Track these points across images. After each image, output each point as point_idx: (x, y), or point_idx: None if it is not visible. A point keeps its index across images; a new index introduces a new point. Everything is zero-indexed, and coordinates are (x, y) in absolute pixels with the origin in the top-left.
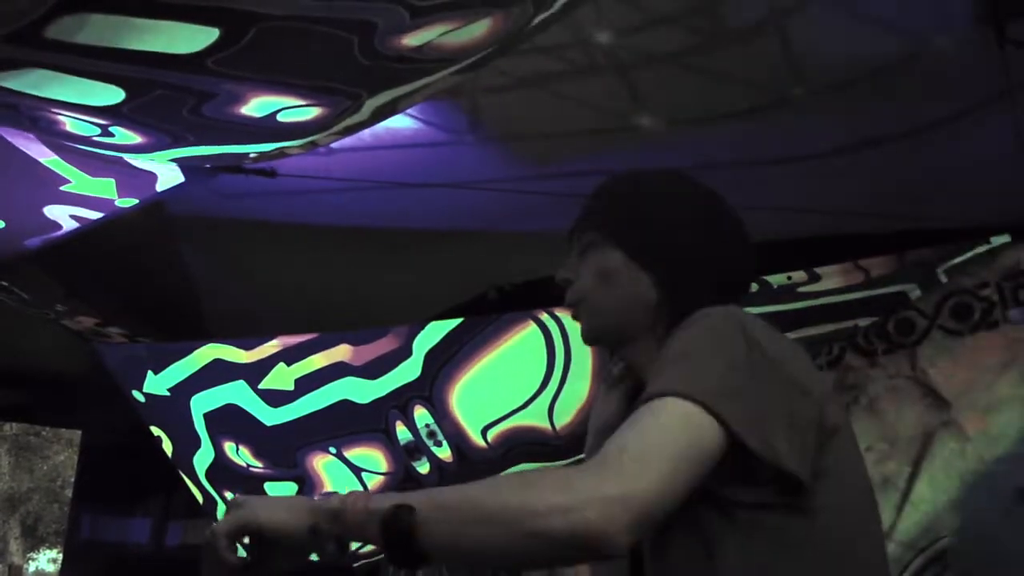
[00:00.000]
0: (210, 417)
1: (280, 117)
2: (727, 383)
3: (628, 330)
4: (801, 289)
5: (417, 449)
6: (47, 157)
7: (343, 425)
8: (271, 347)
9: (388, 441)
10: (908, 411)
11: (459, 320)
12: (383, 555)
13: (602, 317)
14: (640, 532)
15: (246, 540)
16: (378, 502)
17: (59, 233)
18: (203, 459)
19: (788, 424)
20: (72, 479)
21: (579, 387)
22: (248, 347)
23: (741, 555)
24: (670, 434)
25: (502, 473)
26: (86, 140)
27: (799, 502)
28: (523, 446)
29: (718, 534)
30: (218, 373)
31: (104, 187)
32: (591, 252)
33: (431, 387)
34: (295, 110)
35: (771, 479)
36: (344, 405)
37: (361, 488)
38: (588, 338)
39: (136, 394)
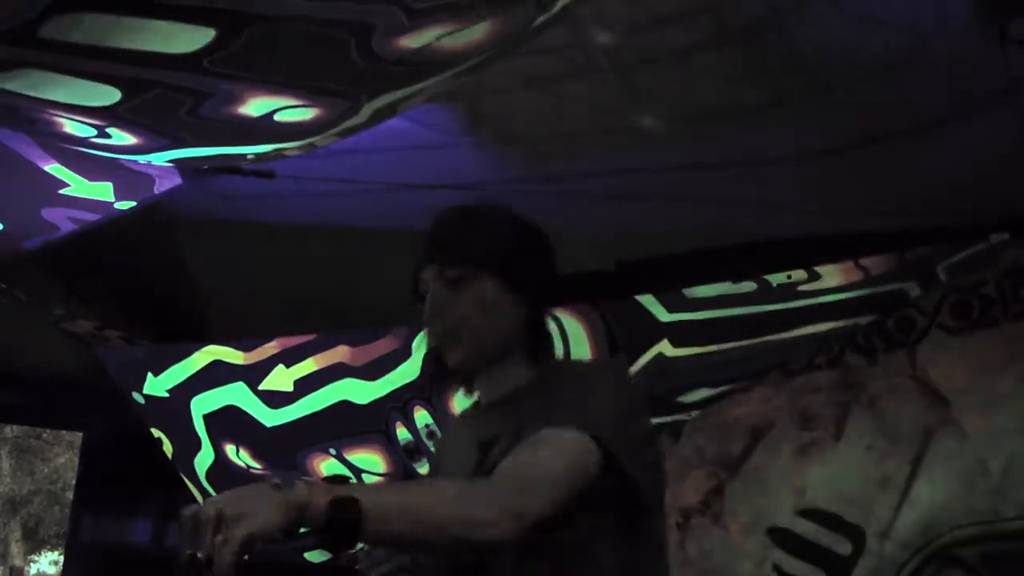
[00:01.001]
0: (210, 418)
1: (277, 117)
2: (615, 428)
3: (502, 352)
4: (801, 288)
5: (417, 450)
6: (45, 160)
7: (343, 426)
8: (270, 348)
9: (388, 442)
10: (908, 409)
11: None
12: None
13: (482, 344)
14: (512, 534)
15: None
16: (324, 493)
17: (57, 235)
18: (203, 460)
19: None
20: (73, 481)
21: None
22: (247, 348)
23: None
24: (571, 459)
25: (436, 479)
26: (83, 141)
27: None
28: None
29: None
30: (218, 375)
31: (102, 190)
32: (463, 284)
33: (431, 388)
34: (292, 110)
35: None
36: (344, 406)
37: None
38: (463, 364)
39: (136, 396)
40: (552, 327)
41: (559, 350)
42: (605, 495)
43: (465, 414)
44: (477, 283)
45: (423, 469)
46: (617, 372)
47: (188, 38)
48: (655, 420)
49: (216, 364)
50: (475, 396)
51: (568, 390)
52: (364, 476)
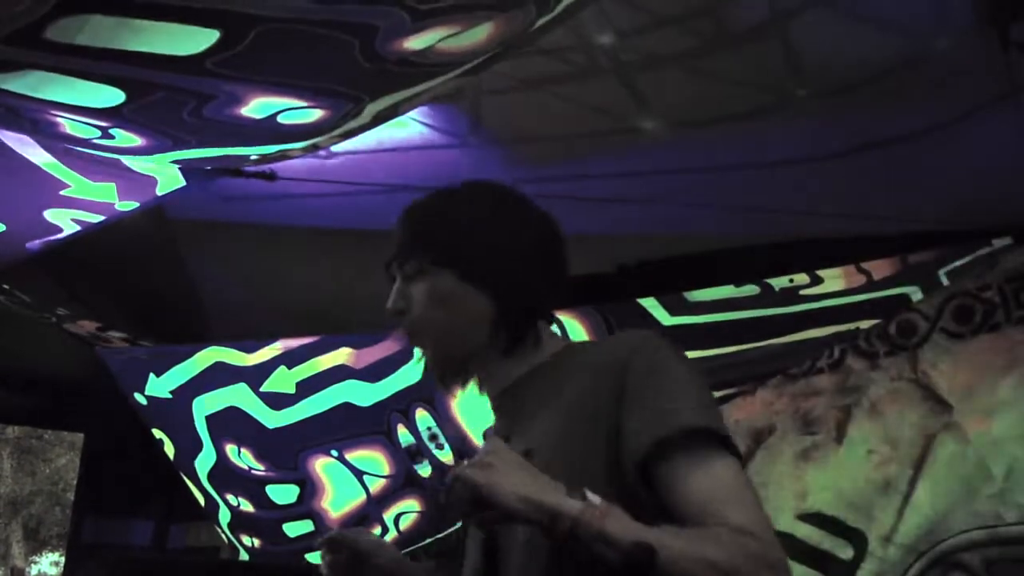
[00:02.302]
0: (212, 420)
1: (281, 119)
2: (720, 415)
3: (469, 349)
4: (803, 292)
5: (419, 452)
6: (47, 161)
7: (344, 428)
8: (272, 350)
9: (390, 444)
10: (909, 414)
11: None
12: None
13: (443, 342)
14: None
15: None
16: (615, 528)
17: (60, 237)
18: (205, 461)
19: None
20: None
21: None
22: (249, 350)
23: None
24: (747, 490)
25: (708, 532)
26: (86, 142)
27: None
28: None
29: None
30: (220, 376)
31: (104, 191)
32: (419, 279)
33: (433, 390)
34: (296, 112)
35: None
36: (345, 408)
37: (363, 491)
38: (435, 366)
39: (138, 397)
40: (554, 329)
41: None
42: None
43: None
44: (430, 279)
45: (424, 471)
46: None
47: (192, 40)
48: None
49: (218, 365)
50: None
51: (638, 362)
52: (366, 478)
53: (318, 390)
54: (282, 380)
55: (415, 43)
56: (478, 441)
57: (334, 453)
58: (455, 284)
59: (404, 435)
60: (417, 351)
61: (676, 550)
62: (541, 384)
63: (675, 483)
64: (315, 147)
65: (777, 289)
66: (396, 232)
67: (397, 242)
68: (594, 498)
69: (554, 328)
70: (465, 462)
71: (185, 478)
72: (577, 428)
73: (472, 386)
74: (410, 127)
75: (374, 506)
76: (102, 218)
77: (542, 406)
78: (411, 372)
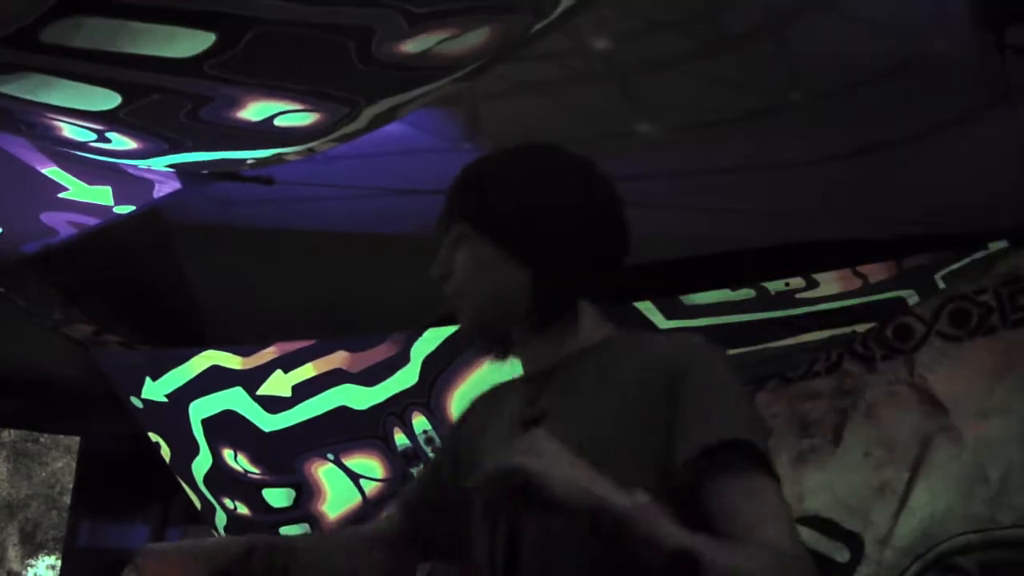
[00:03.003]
0: (208, 423)
1: (277, 121)
2: (764, 434)
3: (506, 320)
4: (799, 295)
5: (415, 456)
6: (44, 164)
7: (341, 431)
8: (268, 354)
9: (386, 448)
10: (906, 417)
11: (457, 327)
12: None
13: (481, 310)
14: None
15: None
16: (661, 531)
17: (56, 239)
18: (201, 465)
19: None
20: (70, 486)
21: None
22: (246, 354)
23: None
24: (785, 510)
25: (744, 545)
26: (82, 146)
27: None
28: None
29: None
30: (216, 379)
31: (101, 194)
32: (462, 244)
33: (429, 393)
34: (292, 115)
35: None
36: (342, 411)
37: (359, 494)
38: (469, 333)
39: (134, 400)
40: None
41: None
42: None
43: (502, 387)
44: (472, 243)
45: None
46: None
47: (189, 42)
48: None
49: (214, 369)
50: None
51: (696, 368)
52: (362, 481)
53: (314, 394)
54: (278, 384)
55: (412, 47)
56: None
57: (330, 457)
58: (495, 252)
59: (400, 439)
60: (416, 352)
61: (715, 559)
62: (589, 370)
63: (718, 493)
64: (311, 151)
65: (773, 292)
66: (450, 191)
67: (446, 201)
68: (643, 498)
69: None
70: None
71: (181, 482)
72: (630, 425)
73: (466, 390)
74: (407, 131)
75: (370, 509)
76: (99, 221)
77: (591, 396)
78: (407, 376)
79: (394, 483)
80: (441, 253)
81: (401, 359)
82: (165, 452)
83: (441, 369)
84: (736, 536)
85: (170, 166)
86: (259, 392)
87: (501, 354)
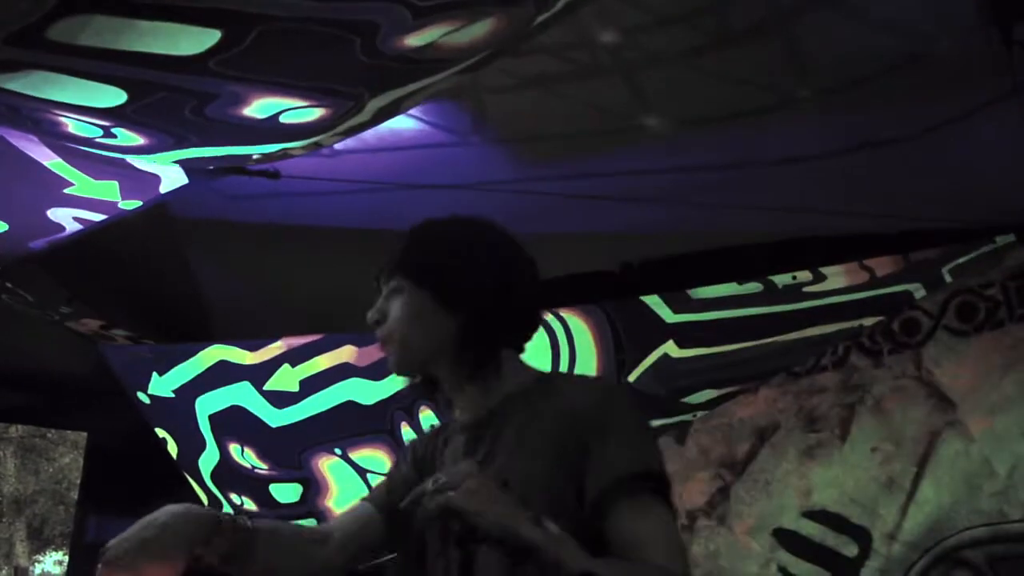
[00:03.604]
0: (215, 418)
1: (283, 118)
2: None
3: (434, 363)
4: (806, 289)
5: None
6: (50, 159)
7: (348, 426)
8: (276, 348)
9: (393, 442)
10: (913, 411)
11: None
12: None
13: (411, 353)
14: None
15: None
16: (568, 556)
17: (63, 235)
18: (208, 460)
19: None
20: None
21: None
22: (253, 348)
23: None
24: (676, 531)
25: (639, 566)
26: (88, 142)
27: None
28: None
29: None
30: (223, 374)
31: (107, 189)
32: (399, 295)
33: (414, 400)
34: (297, 111)
35: None
36: (349, 406)
37: (366, 489)
38: (397, 370)
39: (141, 396)
40: (558, 327)
41: (564, 351)
42: None
43: (449, 426)
44: (409, 294)
45: None
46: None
47: (195, 40)
48: (660, 422)
49: (221, 364)
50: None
51: (591, 419)
52: (369, 476)
53: (321, 388)
54: (285, 378)
55: (416, 40)
56: None
57: (337, 452)
58: (429, 304)
59: (408, 433)
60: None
61: None
62: (515, 419)
63: (618, 523)
64: (317, 145)
65: (780, 286)
66: (389, 250)
67: (385, 260)
68: (554, 529)
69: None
70: (436, 481)
71: (188, 477)
72: (552, 465)
73: None
74: (412, 125)
75: None
76: (105, 217)
77: (517, 442)
78: None
79: None
80: (378, 302)
81: None
82: (172, 447)
83: None
84: (632, 557)
85: (176, 161)
86: (266, 387)
87: (431, 397)
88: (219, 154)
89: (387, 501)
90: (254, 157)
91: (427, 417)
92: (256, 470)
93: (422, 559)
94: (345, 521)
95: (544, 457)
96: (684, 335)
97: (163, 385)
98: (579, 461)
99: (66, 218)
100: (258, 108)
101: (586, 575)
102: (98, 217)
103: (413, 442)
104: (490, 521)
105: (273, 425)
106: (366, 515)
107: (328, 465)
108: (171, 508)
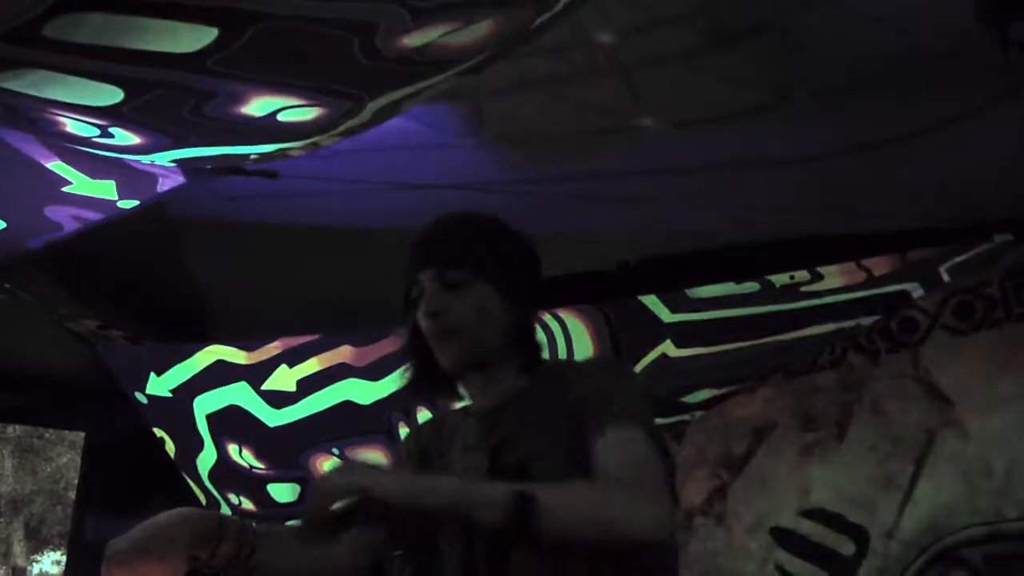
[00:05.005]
0: (213, 418)
1: (280, 117)
2: (649, 412)
3: (497, 356)
4: (804, 288)
5: None
6: (48, 159)
7: (345, 426)
8: (273, 348)
9: (390, 442)
10: (910, 410)
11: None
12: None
13: (475, 348)
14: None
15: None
16: (489, 487)
17: (60, 234)
18: (206, 460)
19: None
20: (75, 481)
21: None
22: (250, 348)
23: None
24: (653, 458)
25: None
26: (86, 141)
27: None
28: None
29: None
30: (220, 374)
31: (105, 188)
32: (464, 287)
33: (413, 395)
34: (296, 110)
35: None
36: (346, 406)
37: None
38: (460, 365)
39: (139, 396)
40: (555, 327)
41: (562, 350)
42: None
43: (448, 418)
44: (475, 288)
45: None
46: (625, 364)
47: (192, 38)
48: (658, 421)
49: (219, 364)
50: (463, 403)
51: (589, 380)
52: None
53: (319, 388)
54: (283, 378)
55: (415, 40)
56: None
57: (335, 452)
58: (494, 298)
59: (405, 433)
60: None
61: (554, 495)
62: (532, 402)
63: (596, 456)
64: (315, 145)
65: (778, 286)
66: (434, 240)
67: (437, 249)
68: (455, 479)
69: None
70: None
71: (186, 477)
72: (567, 450)
73: None
74: (411, 125)
75: None
76: (103, 216)
77: (534, 427)
78: None
79: None
80: (432, 296)
81: None
82: (170, 447)
83: None
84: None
85: (174, 161)
86: (264, 387)
87: (434, 392)
88: (217, 154)
89: None
90: (252, 157)
91: (424, 417)
92: (254, 470)
93: (431, 557)
94: None
95: (560, 441)
96: (682, 335)
97: (161, 385)
98: (581, 427)
99: (64, 217)
100: (256, 107)
101: (518, 495)
102: (96, 216)
103: (408, 437)
104: (393, 495)
105: (271, 425)
106: None
107: (326, 465)
108: (174, 510)
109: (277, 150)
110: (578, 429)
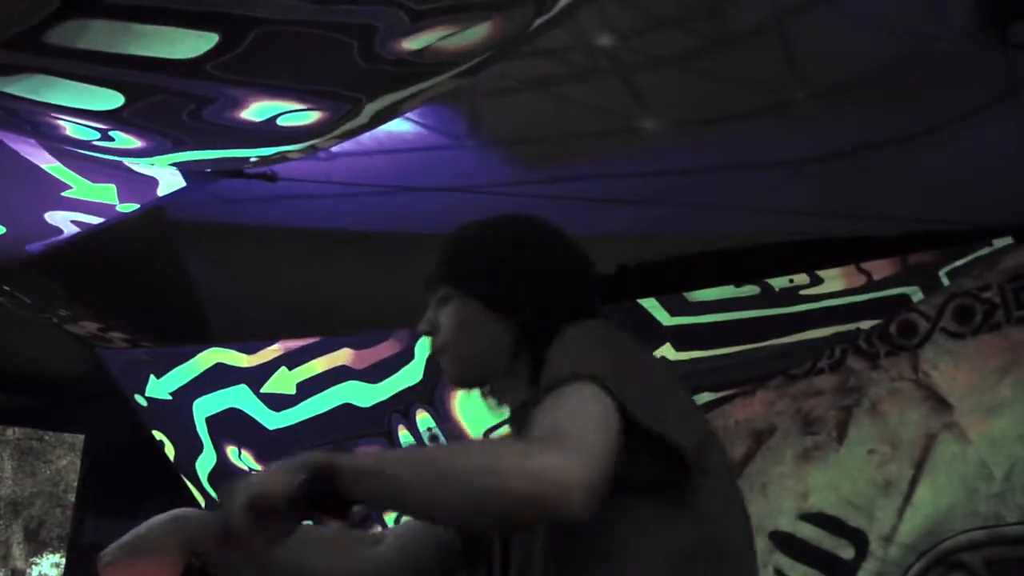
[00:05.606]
0: (212, 421)
1: (280, 121)
2: (613, 366)
3: (490, 372)
4: (803, 292)
5: None
6: (48, 163)
7: (345, 429)
8: (273, 351)
9: (390, 445)
10: (910, 414)
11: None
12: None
13: (465, 364)
14: (593, 502)
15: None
16: (353, 458)
17: (60, 238)
18: (205, 463)
19: (672, 405)
20: (75, 483)
21: None
22: (250, 351)
23: (632, 536)
24: (591, 411)
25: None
26: (86, 144)
27: (683, 495)
28: None
29: (612, 518)
30: (220, 377)
31: (105, 192)
32: (447, 304)
33: (433, 391)
34: (295, 114)
35: (657, 462)
36: (346, 409)
37: None
38: (454, 383)
39: (138, 398)
40: None
41: None
42: (632, 458)
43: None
44: (456, 305)
45: None
46: (595, 325)
47: (192, 43)
48: None
49: (219, 367)
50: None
51: (551, 353)
52: None
53: (318, 391)
54: (283, 381)
55: (413, 43)
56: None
57: None
58: (480, 312)
59: (405, 436)
60: (420, 350)
61: (400, 457)
62: (525, 416)
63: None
64: (314, 148)
65: (777, 289)
66: (437, 258)
67: (433, 268)
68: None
69: None
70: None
71: (186, 480)
72: None
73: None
74: (409, 128)
75: None
76: (103, 219)
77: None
78: (411, 373)
79: None
80: (427, 313)
81: (405, 356)
82: (169, 450)
83: None
84: None
85: (174, 164)
86: (263, 389)
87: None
88: (216, 157)
89: None
90: (251, 160)
91: (423, 420)
92: (253, 472)
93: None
94: (408, 527)
95: None
96: (681, 338)
97: (160, 388)
98: None
99: (64, 221)
100: (255, 111)
101: (375, 460)
102: (96, 220)
103: None
104: (261, 481)
105: (270, 428)
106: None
107: None
108: (169, 512)
109: (276, 153)
110: None
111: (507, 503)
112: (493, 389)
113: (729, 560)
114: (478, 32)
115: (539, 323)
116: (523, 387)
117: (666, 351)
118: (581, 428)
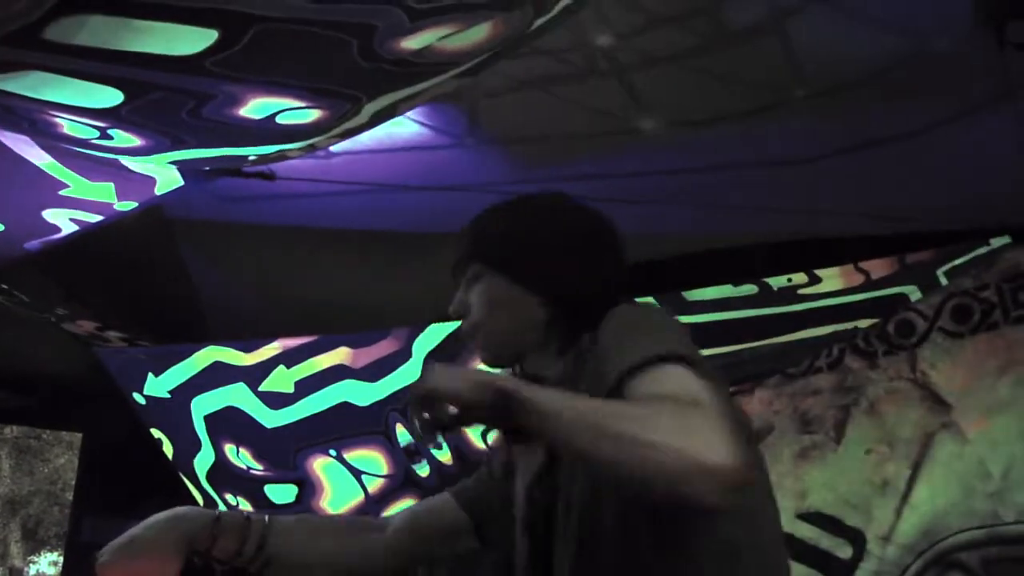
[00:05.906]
0: (210, 419)
1: (279, 119)
2: (688, 349)
3: (524, 349)
4: (801, 291)
5: (417, 451)
6: (45, 161)
7: (343, 427)
8: (271, 349)
9: (388, 443)
10: (908, 413)
11: (459, 322)
12: None
13: (498, 343)
14: (737, 496)
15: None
16: (542, 393)
17: (58, 236)
18: (204, 461)
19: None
20: (73, 482)
21: None
22: (248, 349)
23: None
24: (709, 396)
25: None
26: (84, 143)
27: None
28: None
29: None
30: (218, 375)
31: (103, 191)
32: (477, 283)
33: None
34: (294, 112)
35: None
36: (344, 407)
37: (361, 490)
38: (487, 362)
39: (136, 396)
40: None
41: None
42: None
43: None
44: (485, 283)
45: (423, 471)
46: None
47: (191, 40)
48: None
49: (217, 365)
50: None
51: (602, 340)
52: (364, 477)
53: (317, 389)
54: (281, 380)
55: (413, 43)
56: (476, 440)
57: (332, 453)
58: (509, 288)
59: (403, 434)
60: (418, 348)
61: (604, 408)
62: (586, 374)
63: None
64: (313, 147)
65: (775, 288)
66: (458, 242)
67: (459, 251)
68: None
69: None
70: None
71: (184, 478)
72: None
73: None
74: (408, 127)
75: (373, 505)
76: (101, 218)
77: (588, 391)
78: (410, 371)
79: (396, 479)
80: (457, 294)
81: (403, 355)
82: (167, 448)
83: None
84: None
85: (172, 163)
86: (261, 388)
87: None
88: (215, 155)
89: (476, 494)
90: (250, 159)
91: None
92: (251, 471)
93: (510, 555)
94: (416, 509)
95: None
96: None
97: (159, 386)
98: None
99: (62, 219)
100: (254, 109)
101: (554, 395)
102: (94, 218)
103: None
104: (452, 381)
105: (268, 426)
106: (440, 503)
107: (323, 466)
108: (167, 510)
109: (275, 151)
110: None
111: (663, 483)
112: (524, 365)
113: (768, 553)
114: (478, 32)
115: (572, 296)
116: (552, 361)
117: None
118: (694, 386)
